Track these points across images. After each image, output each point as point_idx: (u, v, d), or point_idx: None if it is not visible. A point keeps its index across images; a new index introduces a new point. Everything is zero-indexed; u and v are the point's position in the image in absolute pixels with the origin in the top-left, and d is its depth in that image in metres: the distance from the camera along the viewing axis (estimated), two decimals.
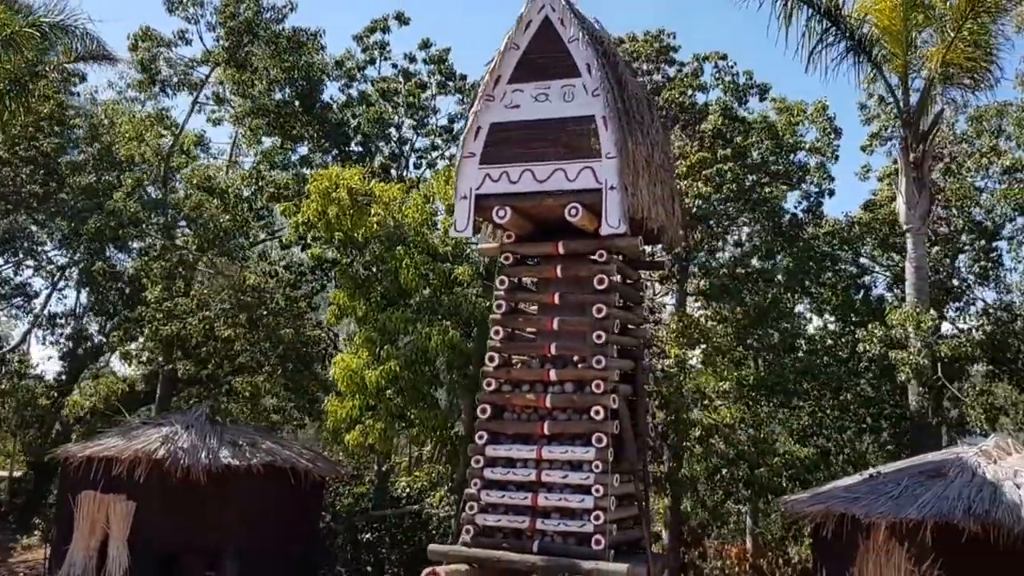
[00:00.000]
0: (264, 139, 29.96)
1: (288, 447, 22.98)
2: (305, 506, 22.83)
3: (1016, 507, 12.70)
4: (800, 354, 21.70)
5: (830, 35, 21.56)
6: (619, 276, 16.11)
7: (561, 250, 15.29)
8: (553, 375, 14.98)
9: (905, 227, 20.89)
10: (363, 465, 27.17)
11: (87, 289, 29.88)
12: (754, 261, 25.93)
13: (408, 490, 24.85)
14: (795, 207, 25.18)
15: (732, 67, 25.27)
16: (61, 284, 32.96)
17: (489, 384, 15.40)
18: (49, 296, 32.74)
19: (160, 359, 26.34)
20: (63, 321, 32.51)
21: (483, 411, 15.36)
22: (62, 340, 32.17)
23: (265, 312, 24.03)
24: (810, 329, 25.53)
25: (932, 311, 20.42)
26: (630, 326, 16.26)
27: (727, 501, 21.40)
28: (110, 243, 26.58)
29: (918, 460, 15.93)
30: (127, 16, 67.98)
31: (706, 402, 19.29)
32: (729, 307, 22.81)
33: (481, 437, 15.29)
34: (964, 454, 14.86)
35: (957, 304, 24.97)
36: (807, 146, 25.13)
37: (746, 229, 26.41)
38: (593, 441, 14.40)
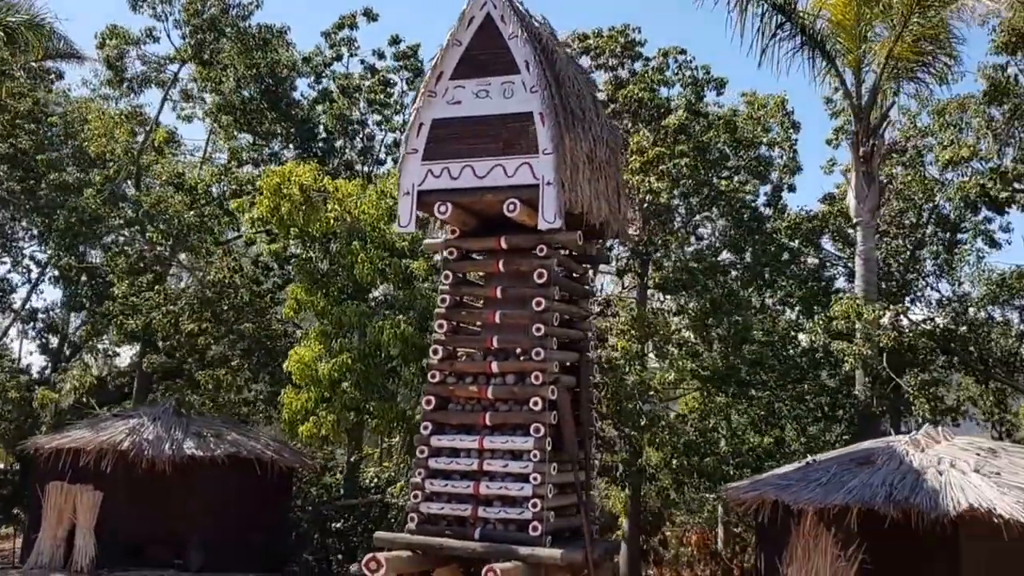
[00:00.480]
0: (241, 136, 30.34)
1: (255, 438, 23.31)
2: (271, 496, 23.14)
3: (935, 493, 13.01)
4: (753, 345, 21.96)
5: (784, 30, 21.89)
6: (563, 270, 16.49)
7: (503, 245, 15.58)
8: (495, 367, 15.28)
9: (855, 220, 21.24)
10: (333, 456, 27.53)
11: (61, 284, 30.13)
12: (715, 254, 26.35)
13: (376, 480, 25.18)
14: (754, 200, 25.46)
15: (691, 62, 25.59)
16: (40, 280, 33.24)
17: (433, 376, 15.74)
18: (30, 292, 33.05)
19: (132, 353, 26.74)
20: (44, 316, 32.81)
21: (428, 403, 15.68)
22: (45, 335, 32.47)
23: (226, 307, 24.36)
24: (782, 322, 25.81)
25: (886, 302, 20.77)
26: (575, 319, 16.61)
27: (680, 489, 21.73)
28: (79, 239, 26.76)
29: (852, 449, 16.31)
30: (94, 14, 68.11)
31: (652, 393, 19.61)
32: (687, 300, 23.17)
33: (426, 428, 15.61)
34: (895, 443, 15.21)
35: (916, 296, 25.21)
36: (765, 140, 25.39)
37: (708, 223, 26.78)
38: (531, 431, 14.72)
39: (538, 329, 15.04)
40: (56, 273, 30.21)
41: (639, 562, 22.63)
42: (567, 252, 16.46)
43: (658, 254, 24.08)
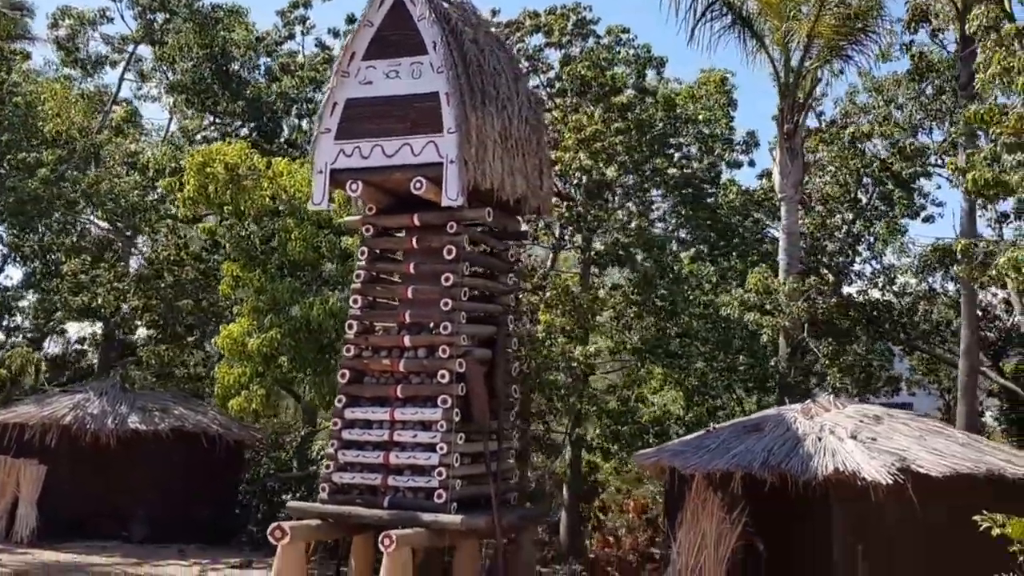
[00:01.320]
0: (206, 116, 30.72)
1: (203, 412, 23.79)
2: (219, 470, 23.58)
3: (809, 458, 13.48)
4: (686, 318, 22.42)
5: (714, 9, 22.35)
6: (478, 246, 17.03)
7: (416, 222, 16.09)
8: (407, 341, 15.82)
9: (780, 195, 21.71)
10: (289, 429, 28.04)
11: (18, 263, 30.55)
12: (672, 230, 26.86)
13: (321, 452, 25.66)
14: (694, 176, 25.80)
15: (633, 40, 25.99)
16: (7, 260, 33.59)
17: (349, 350, 16.29)
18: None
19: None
20: (9, 294, 33.22)
21: (343, 376, 16.21)
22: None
23: (164, 285, 24.89)
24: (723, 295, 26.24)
25: (801, 276, 21.27)
26: (495, 293, 17.12)
27: (606, 458, 22.27)
28: (22, 219, 27.04)
29: (749, 417, 16.90)
30: None
31: (575, 365, 20.08)
32: (623, 274, 23.70)
33: (340, 400, 16.15)
34: (787, 411, 15.70)
35: (848, 269, 25.58)
36: (701, 117, 25.77)
37: (660, 200, 27.20)
38: (439, 402, 15.26)
39: (446, 304, 15.54)
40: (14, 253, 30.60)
41: (579, 530, 23.14)
42: (486, 228, 16.98)
43: (600, 229, 24.48)
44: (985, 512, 11.71)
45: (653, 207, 27.14)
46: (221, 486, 23.92)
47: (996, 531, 11.54)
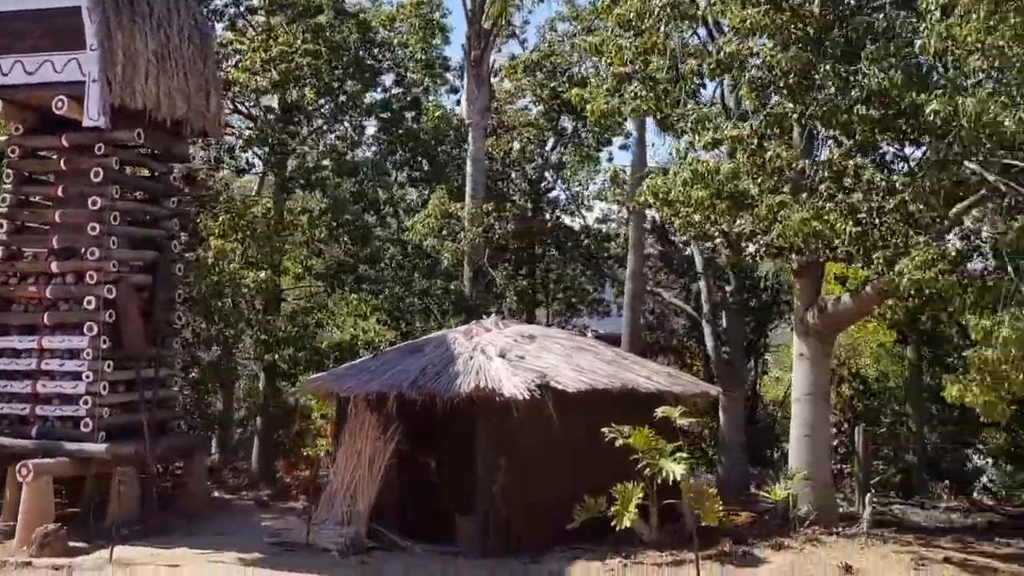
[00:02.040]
0: None
1: None
2: None
3: (456, 377, 13.71)
4: (377, 243, 22.39)
5: None
6: (136, 168, 16.49)
7: (64, 143, 15.43)
8: (55, 267, 15.28)
9: (467, 122, 21.82)
10: None
11: None
12: (366, 154, 26.55)
13: None
14: (390, 100, 25.53)
15: None
16: None
17: None
18: None
19: None
20: None
21: None
22: None
23: None
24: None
25: (483, 201, 21.51)
26: (159, 218, 16.59)
27: (289, 382, 22.08)
28: None
29: (415, 341, 17.09)
30: None
31: (244, 291, 19.74)
32: (315, 199, 23.42)
33: None
34: (451, 333, 15.89)
35: (544, 195, 25.98)
36: (396, 41, 25.52)
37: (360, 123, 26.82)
38: (85, 330, 14.76)
39: (93, 228, 15.00)
40: None
41: (271, 456, 22.81)
42: (145, 151, 16.41)
43: (294, 153, 23.95)
44: (614, 424, 12.29)
45: (363, 132, 26.70)
46: None
47: (620, 442, 12.15)
